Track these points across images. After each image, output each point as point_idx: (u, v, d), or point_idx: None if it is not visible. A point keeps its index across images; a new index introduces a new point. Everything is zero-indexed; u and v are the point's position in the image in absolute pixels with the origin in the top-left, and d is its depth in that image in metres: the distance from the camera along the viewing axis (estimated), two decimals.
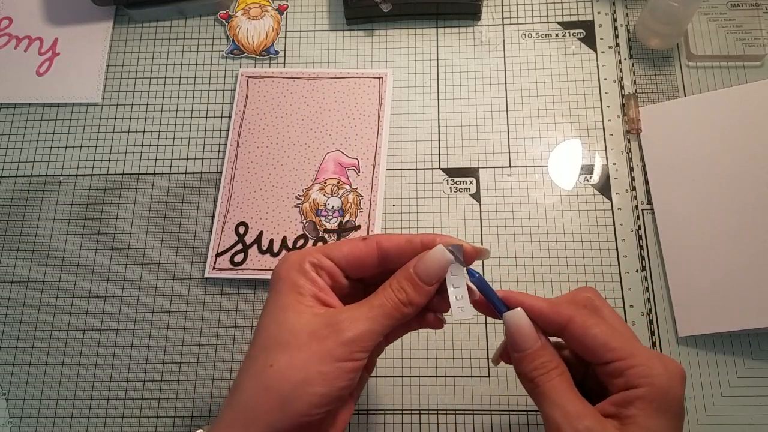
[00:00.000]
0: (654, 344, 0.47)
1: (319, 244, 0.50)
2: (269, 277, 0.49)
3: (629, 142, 0.52)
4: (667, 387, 0.31)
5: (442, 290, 0.35)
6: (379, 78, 0.54)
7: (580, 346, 0.33)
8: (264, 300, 0.49)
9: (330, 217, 0.50)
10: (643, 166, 0.51)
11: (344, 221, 0.50)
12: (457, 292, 0.34)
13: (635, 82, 0.54)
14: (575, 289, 0.36)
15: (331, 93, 0.54)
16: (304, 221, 0.50)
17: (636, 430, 0.31)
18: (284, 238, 0.50)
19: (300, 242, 0.50)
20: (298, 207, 0.51)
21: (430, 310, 0.36)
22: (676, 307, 0.47)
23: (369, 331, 0.32)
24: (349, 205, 0.51)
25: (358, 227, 0.50)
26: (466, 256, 0.34)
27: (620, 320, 0.34)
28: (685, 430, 0.44)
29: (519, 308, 0.33)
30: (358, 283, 0.36)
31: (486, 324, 0.48)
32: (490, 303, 0.34)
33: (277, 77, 0.55)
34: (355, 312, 0.33)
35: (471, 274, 0.34)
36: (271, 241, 0.50)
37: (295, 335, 0.32)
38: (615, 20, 0.56)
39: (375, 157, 0.52)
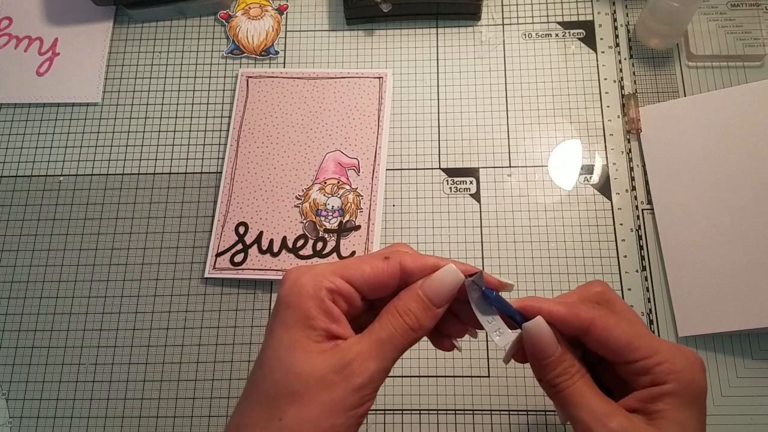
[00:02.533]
0: None
1: (319, 244, 0.50)
2: (269, 277, 0.49)
3: (629, 142, 0.52)
4: (690, 380, 0.31)
5: (452, 313, 0.34)
6: (379, 78, 0.54)
7: (603, 348, 0.32)
8: (263, 300, 0.49)
9: (330, 217, 0.50)
10: (643, 166, 0.51)
11: (344, 221, 0.50)
12: (489, 319, 0.33)
13: (635, 82, 0.54)
14: (585, 283, 0.35)
15: (331, 93, 0.54)
16: (304, 221, 0.50)
17: (666, 425, 0.31)
18: (284, 238, 0.50)
19: (300, 242, 0.50)
20: (298, 207, 0.51)
21: (445, 334, 0.35)
22: (676, 307, 0.47)
23: (380, 369, 0.31)
24: (349, 205, 0.51)
25: (358, 227, 0.50)
26: (490, 286, 0.33)
27: (633, 313, 0.34)
28: None
29: (538, 317, 0.32)
30: (369, 301, 0.34)
31: None
32: (509, 318, 0.33)
33: (277, 77, 0.55)
34: (364, 349, 0.30)
35: (487, 294, 0.33)
36: (271, 241, 0.50)
37: (304, 383, 0.29)
38: (615, 20, 0.56)
39: (375, 157, 0.52)
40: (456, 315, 0.35)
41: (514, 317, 0.33)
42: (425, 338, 0.48)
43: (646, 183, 0.51)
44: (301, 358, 0.30)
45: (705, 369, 0.32)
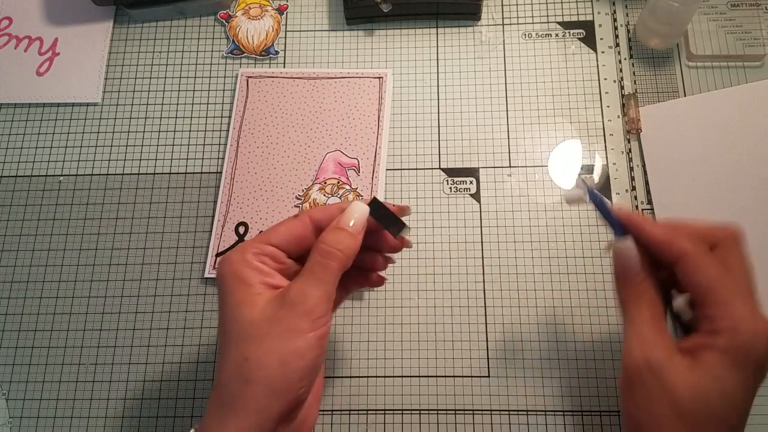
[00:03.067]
0: None
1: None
2: None
3: (629, 142, 0.52)
4: (748, 344, 0.31)
5: (373, 248, 0.38)
6: (379, 78, 0.54)
7: (686, 283, 0.34)
8: None
9: None
10: (643, 166, 0.51)
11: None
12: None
13: (635, 82, 0.54)
14: (723, 223, 0.36)
15: (331, 93, 0.54)
16: None
17: (704, 375, 0.32)
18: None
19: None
20: (298, 207, 0.51)
21: (369, 269, 0.40)
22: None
23: (321, 295, 0.34)
24: None
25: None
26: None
27: (743, 269, 0.34)
28: None
29: (629, 239, 0.35)
30: (303, 259, 0.38)
31: (486, 324, 0.48)
32: (608, 224, 0.36)
33: (277, 77, 0.55)
34: (301, 283, 0.34)
35: (592, 196, 0.36)
36: None
37: (257, 326, 0.33)
38: (615, 20, 0.56)
39: (375, 157, 0.52)
40: (372, 248, 0.39)
41: (613, 225, 0.36)
42: (425, 338, 0.48)
43: (646, 183, 0.51)
44: (248, 310, 0.33)
45: None
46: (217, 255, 0.50)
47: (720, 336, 0.32)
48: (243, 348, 0.33)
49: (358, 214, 0.36)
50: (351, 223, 0.36)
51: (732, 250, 0.35)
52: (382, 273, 0.41)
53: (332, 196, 0.51)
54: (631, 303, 0.35)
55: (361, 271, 0.40)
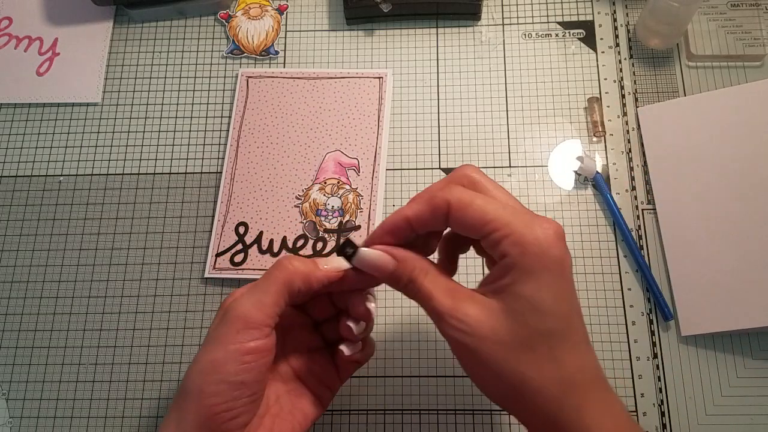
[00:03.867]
0: (654, 344, 0.47)
1: (319, 244, 0.50)
2: None
3: (629, 142, 0.52)
4: (539, 250, 0.30)
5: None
6: (379, 78, 0.54)
7: (463, 227, 0.32)
8: None
9: (330, 217, 0.50)
10: (644, 165, 0.51)
11: (344, 221, 0.50)
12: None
13: (635, 82, 0.54)
14: (453, 170, 0.35)
15: (331, 93, 0.54)
16: (304, 221, 0.50)
17: (510, 299, 0.31)
18: (284, 238, 0.50)
19: (300, 242, 0.50)
20: (298, 207, 0.51)
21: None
22: (678, 307, 0.47)
23: (253, 303, 0.33)
24: (349, 205, 0.51)
25: (358, 227, 0.50)
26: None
27: (503, 191, 0.33)
28: (685, 430, 0.44)
29: (360, 249, 0.34)
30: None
31: None
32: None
33: (277, 77, 0.55)
34: (240, 293, 0.34)
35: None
36: (271, 241, 0.50)
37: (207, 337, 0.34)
38: (615, 20, 0.56)
39: (375, 157, 0.52)
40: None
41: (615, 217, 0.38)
42: (425, 338, 0.48)
43: (646, 183, 0.51)
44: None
45: (562, 237, 0.31)
46: (217, 255, 0.50)
47: (511, 255, 0.30)
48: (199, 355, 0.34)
49: (336, 263, 0.35)
50: (324, 264, 0.35)
51: (483, 181, 0.33)
52: (353, 356, 0.38)
53: (332, 196, 0.51)
54: (413, 287, 0.33)
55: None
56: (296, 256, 0.36)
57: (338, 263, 0.35)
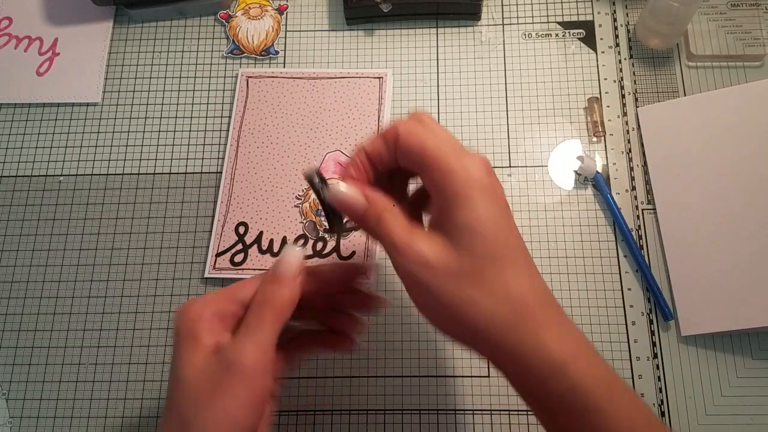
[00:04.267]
0: (654, 344, 0.47)
1: (319, 244, 0.49)
2: None
3: (629, 142, 0.52)
4: (466, 175, 0.32)
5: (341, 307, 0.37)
6: (379, 78, 0.54)
7: (407, 157, 0.34)
8: None
9: None
10: (644, 165, 0.51)
11: (345, 221, 0.50)
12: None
13: (635, 82, 0.54)
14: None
15: (331, 93, 0.54)
16: (304, 221, 0.50)
17: (450, 229, 0.32)
18: (284, 238, 0.50)
19: (300, 242, 0.50)
20: (298, 207, 0.51)
21: (340, 332, 0.38)
22: (678, 307, 0.47)
23: (255, 349, 0.32)
24: None
25: (358, 228, 0.50)
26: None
27: (445, 132, 0.34)
28: (685, 430, 0.44)
29: (335, 183, 0.35)
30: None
31: None
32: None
33: (277, 77, 0.55)
34: (237, 341, 0.33)
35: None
36: (271, 241, 0.50)
37: (198, 389, 0.32)
38: (615, 20, 0.56)
39: None
40: (338, 307, 0.38)
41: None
42: (425, 338, 0.48)
43: (646, 183, 0.51)
44: (192, 371, 0.33)
45: (487, 166, 0.33)
46: (217, 255, 0.50)
47: (442, 189, 0.32)
48: (184, 411, 0.32)
49: (290, 259, 0.35)
50: (282, 271, 0.35)
51: (426, 123, 0.34)
52: (354, 335, 0.39)
53: None
54: (379, 231, 0.34)
55: (329, 334, 0.39)
56: (280, 270, 0.35)
57: (292, 262, 0.35)
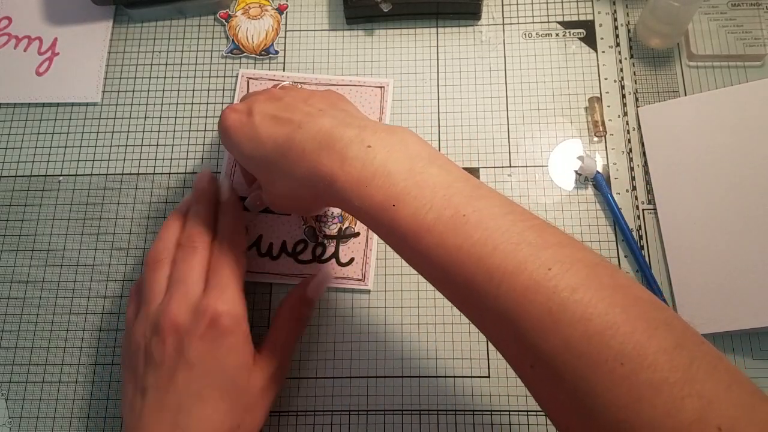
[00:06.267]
0: None
1: (319, 250, 0.49)
2: (268, 280, 0.49)
3: (630, 142, 0.52)
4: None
5: None
6: (381, 87, 0.54)
7: None
8: (262, 302, 0.49)
9: (330, 223, 0.50)
10: (644, 165, 0.51)
11: (344, 228, 0.50)
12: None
13: (636, 82, 0.54)
14: None
15: None
16: (304, 226, 0.50)
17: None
18: (284, 243, 0.50)
19: (300, 247, 0.49)
20: None
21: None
22: (679, 307, 0.47)
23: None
24: None
25: (358, 234, 0.50)
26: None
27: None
28: None
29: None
30: None
31: None
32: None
33: (278, 80, 0.55)
34: (285, 358, 0.44)
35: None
36: (271, 245, 0.50)
37: (253, 396, 0.41)
38: (615, 20, 0.56)
39: None
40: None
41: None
42: (425, 338, 0.48)
43: (647, 183, 0.51)
44: (247, 378, 0.41)
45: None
46: None
47: None
48: (237, 415, 0.39)
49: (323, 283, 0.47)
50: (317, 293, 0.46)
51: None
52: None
53: None
54: None
55: None
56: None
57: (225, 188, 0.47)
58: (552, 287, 0.28)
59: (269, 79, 0.55)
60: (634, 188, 0.51)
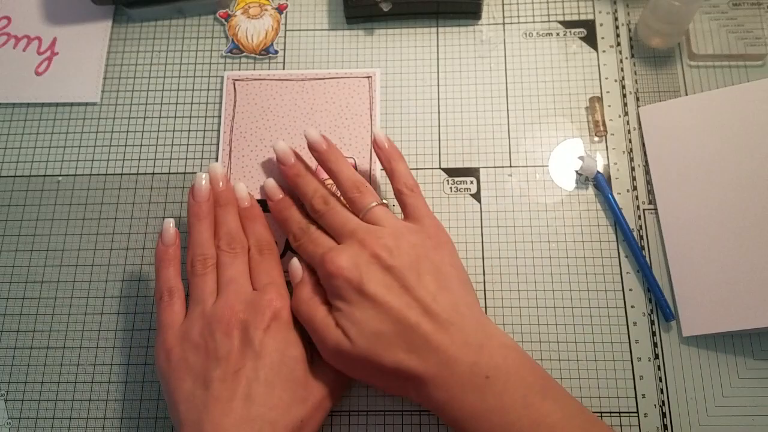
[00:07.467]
0: (655, 344, 0.46)
1: None
2: None
3: (630, 141, 0.52)
4: None
5: None
6: (368, 77, 0.54)
7: None
8: None
9: None
10: (645, 165, 0.51)
11: None
12: None
13: (636, 82, 0.53)
14: None
15: (321, 94, 0.54)
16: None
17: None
18: (285, 241, 0.50)
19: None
20: None
21: None
22: (680, 307, 0.47)
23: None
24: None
25: None
26: None
27: None
28: (686, 430, 0.44)
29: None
30: None
31: None
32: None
33: (264, 80, 0.55)
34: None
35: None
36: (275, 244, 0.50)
37: (312, 389, 0.43)
38: (616, 19, 0.56)
39: (371, 156, 0.52)
40: None
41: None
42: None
43: (648, 182, 0.51)
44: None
45: None
46: None
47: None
48: (301, 407, 0.40)
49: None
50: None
51: None
52: None
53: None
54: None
55: None
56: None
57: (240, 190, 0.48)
58: None
59: (255, 79, 0.55)
60: (634, 188, 0.51)
